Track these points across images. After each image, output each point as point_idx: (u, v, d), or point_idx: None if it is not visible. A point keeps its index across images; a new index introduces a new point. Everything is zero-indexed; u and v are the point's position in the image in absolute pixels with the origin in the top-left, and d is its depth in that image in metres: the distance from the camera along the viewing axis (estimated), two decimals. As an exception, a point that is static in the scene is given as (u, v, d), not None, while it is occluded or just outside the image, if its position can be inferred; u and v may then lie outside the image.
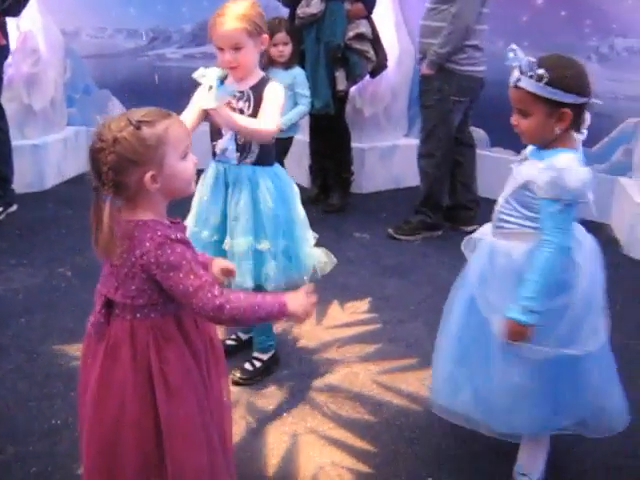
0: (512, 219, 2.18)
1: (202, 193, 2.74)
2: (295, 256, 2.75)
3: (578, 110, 2.05)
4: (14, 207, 4.45)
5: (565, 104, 2.02)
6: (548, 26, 4.64)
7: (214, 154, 2.70)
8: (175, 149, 1.72)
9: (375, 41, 4.40)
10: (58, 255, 3.92)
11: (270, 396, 2.81)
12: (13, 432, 2.54)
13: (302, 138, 4.78)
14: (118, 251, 1.71)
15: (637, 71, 4.46)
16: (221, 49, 2.57)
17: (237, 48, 2.54)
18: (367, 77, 4.70)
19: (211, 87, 2.57)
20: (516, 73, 2.04)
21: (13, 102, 4.62)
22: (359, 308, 3.52)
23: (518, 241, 2.16)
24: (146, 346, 1.79)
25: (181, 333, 1.83)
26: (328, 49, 4.26)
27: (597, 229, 4.40)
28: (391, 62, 4.67)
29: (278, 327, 3.22)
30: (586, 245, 2.19)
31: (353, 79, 4.45)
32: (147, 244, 1.72)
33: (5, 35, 4.15)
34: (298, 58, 4.18)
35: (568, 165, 2.02)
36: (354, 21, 4.29)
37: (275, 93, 2.60)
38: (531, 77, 2.01)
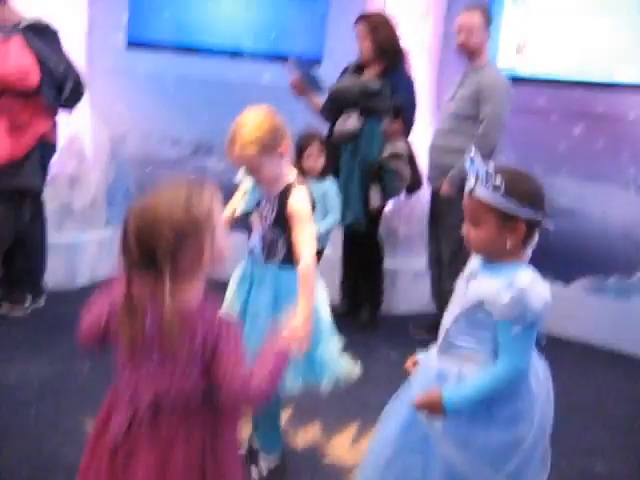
0: (462, 341, 2.05)
1: (231, 285, 2.79)
2: (318, 359, 2.70)
3: (531, 226, 1.98)
4: (42, 302, 4.45)
5: (518, 218, 1.95)
6: (586, 155, 4.66)
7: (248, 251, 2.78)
8: (220, 221, 1.71)
9: (411, 161, 4.45)
10: (78, 351, 3.86)
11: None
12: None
13: (335, 254, 4.78)
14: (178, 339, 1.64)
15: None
16: None
17: (253, 169, 2.59)
18: (403, 196, 4.74)
19: (245, 193, 2.74)
20: (472, 181, 1.97)
21: (54, 200, 4.71)
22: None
23: (469, 363, 2.03)
24: (201, 446, 1.70)
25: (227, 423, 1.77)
26: (363, 165, 4.31)
27: (636, 364, 4.35)
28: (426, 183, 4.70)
29: (304, 441, 3.12)
30: (540, 372, 2.07)
31: (387, 197, 4.47)
32: (209, 326, 1.65)
33: (54, 133, 4.29)
34: (331, 170, 4.24)
35: (530, 284, 1.92)
36: (391, 140, 4.35)
37: (298, 213, 2.60)
38: (487, 187, 1.94)
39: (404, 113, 4.37)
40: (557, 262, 4.48)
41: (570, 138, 4.73)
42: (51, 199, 4.64)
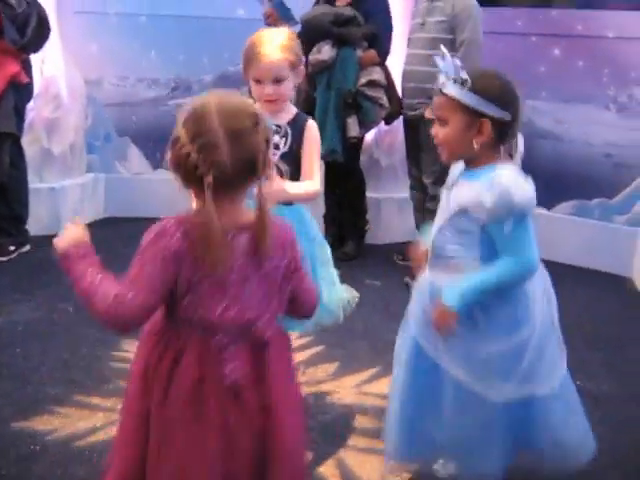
0: (448, 251, 2.05)
1: None
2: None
3: (500, 126, 1.96)
4: (27, 247, 4.46)
5: (484, 115, 1.94)
6: (566, 76, 4.61)
7: None
8: None
9: (389, 88, 4.40)
10: (63, 292, 3.88)
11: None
12: (-11, 454, 2.49)
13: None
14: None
15: (656, 121, 4.40)
16: (259, 82, 2.46)
17: (278, 80, 2.43)
18: (383, 126, 4.70)
19: None
20: (442, 79, 1.98)
21: (33, 145, 4.68)
22: (362, 353, 3.42)
23: (459, 273, 2.01)
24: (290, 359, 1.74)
25: None
26: (339, 95, 4.27)
27: (618, 283, 4.38)
28: (407, 111, 4.66)
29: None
30: (535, 275, 2.06)
31: (366, 126, 4.43)
32: (289, 242, 1.61)
33: (29, 75, 4.23)
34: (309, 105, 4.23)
35: (511, 181, 1.91)
36: (367, 68, 4.30)
37: (316, 141, 2.53)
38: (455, 82, 1.95)
39: (379, 40, 4.32)
40: (539, 186, 4.46)
41: (549, 60, 4.68)
42: (30, 144, 4.62)
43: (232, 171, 1.47)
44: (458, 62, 1.96)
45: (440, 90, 2.00)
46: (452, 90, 1.96)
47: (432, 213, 4.14)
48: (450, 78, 1.96)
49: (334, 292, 2.63)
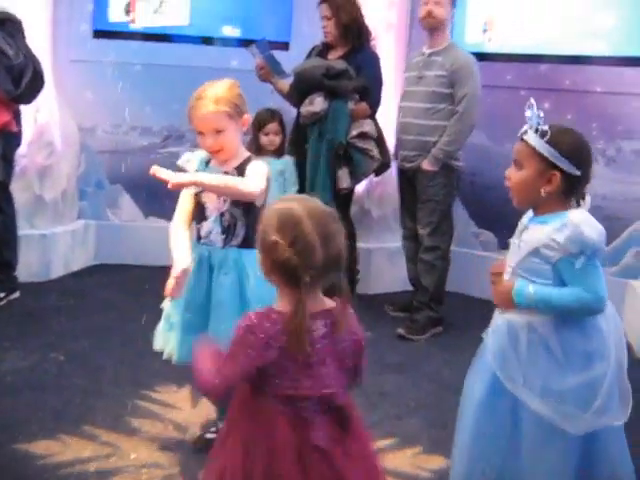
0: None
1: None
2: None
3: (569, 180, 2.09)
4: (16, 294, 4.42)
5: (556, 167, 2.07)
6: (555, 129, 4.66)
7: (199, 237, 2.67)
8: None
9: (379, 140, 4.44)
10: (53, 340, 3.86)
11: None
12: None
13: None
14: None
15: (645, 173, 4.46)
16: (202, 133, 2.57)
17: (218, 131, 2.54)
18: (374, 177, 4.74)
19: (197, 171, 2.63)
20: (525, 126, 2.13)
21: (25, 192, 4.67)
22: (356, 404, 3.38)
23: (532, 314, 2.12)
24: None
25: None
26: (330, 146, 4.29)
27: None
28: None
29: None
30: (608, 310, 2.15)
31: (356, 177, 4.45)
32: (357, 328, 1.83)
33: (18, 123, 4.25)
34: (297, 151, 4.34)
35: (584, 219, 2.04)
36: (358, 120, 4.34)
37: (257, 166, 2.58)
38: (536, 132, 2.09)
39: (370, 93, 4.35)
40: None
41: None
42: (22, 191, 4.63)
43: (323, 269, 1.70)
44: (541, 114, 2.10)
45: (521, 137, 2.14)
46: (532, 139, 2.11)
47: (427, 264, 4.25)
48: (532, 127, 2.10)
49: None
